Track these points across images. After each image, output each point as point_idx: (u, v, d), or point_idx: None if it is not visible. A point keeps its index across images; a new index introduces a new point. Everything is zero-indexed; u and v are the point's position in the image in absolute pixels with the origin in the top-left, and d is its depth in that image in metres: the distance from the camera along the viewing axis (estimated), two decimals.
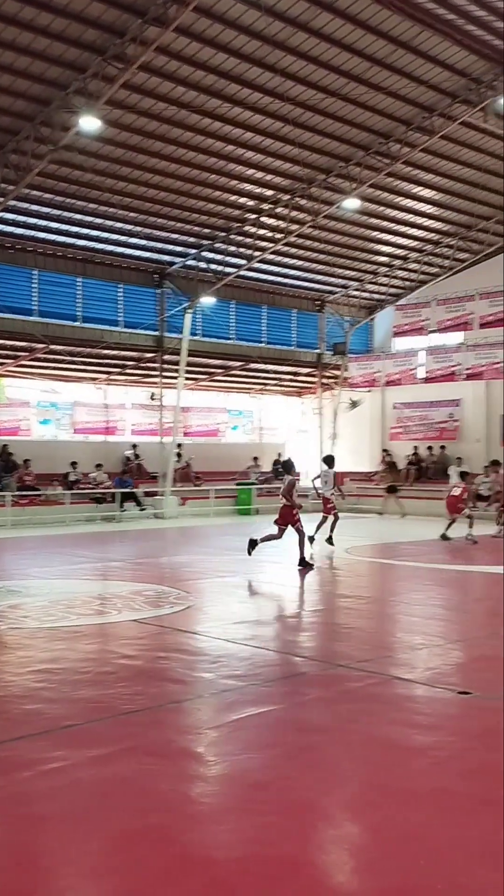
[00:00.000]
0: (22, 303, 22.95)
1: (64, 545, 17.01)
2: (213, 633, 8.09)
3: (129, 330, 25.03)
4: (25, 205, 20.48)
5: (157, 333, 25.51)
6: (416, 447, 27.56)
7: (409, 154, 20.89)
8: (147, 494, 24.24)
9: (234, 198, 22.20)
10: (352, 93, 18.47)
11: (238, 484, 26.33)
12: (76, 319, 23.97)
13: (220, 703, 5.86)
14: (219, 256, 24.37)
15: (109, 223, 22.20)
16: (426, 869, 3.50)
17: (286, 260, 26.48)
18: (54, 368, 24.90)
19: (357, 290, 29.30)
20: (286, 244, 24.34)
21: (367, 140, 20.75)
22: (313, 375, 30.46)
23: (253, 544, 13.22)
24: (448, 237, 26.69)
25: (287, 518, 13.09)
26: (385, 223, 25.19)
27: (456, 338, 27.91)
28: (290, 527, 13.02)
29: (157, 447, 25.50)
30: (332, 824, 4.01)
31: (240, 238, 23.86)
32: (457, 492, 17.35)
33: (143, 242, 23.31)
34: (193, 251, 24.47)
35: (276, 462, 28.22)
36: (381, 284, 29.08)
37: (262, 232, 23.46)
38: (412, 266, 28.16)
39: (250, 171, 21.08)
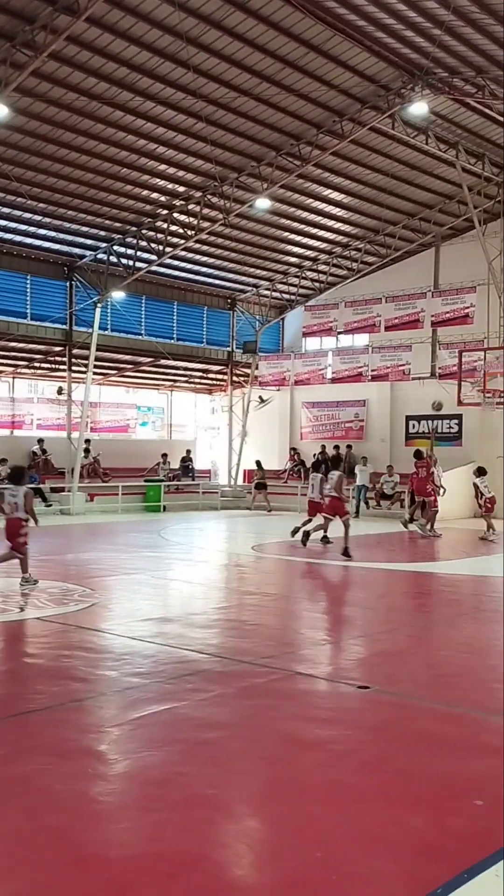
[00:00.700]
0: None
1: None
2: (118, 631, 8.03)
3: (37, 322, 24.56)
4: None
5: (65, 327, 25.11)
6: (323, 446, 27.97)
7: (320, 157, 21.19)
8: (53, 490, 23.85)
9: (145, 192, 22.05)
10: (264, 93, 18.60)
11: (147, 480, 26.19)
12: None
13: (123, 701, 5.83)
14: (130, 251, 24.16)
15: (17, 213, 21.75)
16: (321, 860, 3.57)
17: (198, 257, 26.48)
18: None
19: (268, 289, 29.52)
20: (198, 241, 24.33)
21: (279, 141, 20.93)
22: (224, 373, 30.55)
23: (300, 533, 14.96)
24: (356, 240, 27.18)
25: (338, 510, 14.43)
26: (296, 224, 25.47)
27: (362, 339, 28.49)
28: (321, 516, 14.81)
29: (64, 442, 25.11)
30: (231, 819, 4.04)
31: (151, 233, 23.72)
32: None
33: (53, 234, 22.91)
34: (104, 245, 24.20)
35: (183, 459, 28.20)
36: (292, 285, 29.39)
37: (173, 228, 23.38)
38: (321, 268, 28.56)
39: (162, 167, 20.98)
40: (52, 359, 26.01)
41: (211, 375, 31.06)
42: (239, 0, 15.99)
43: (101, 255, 24.44)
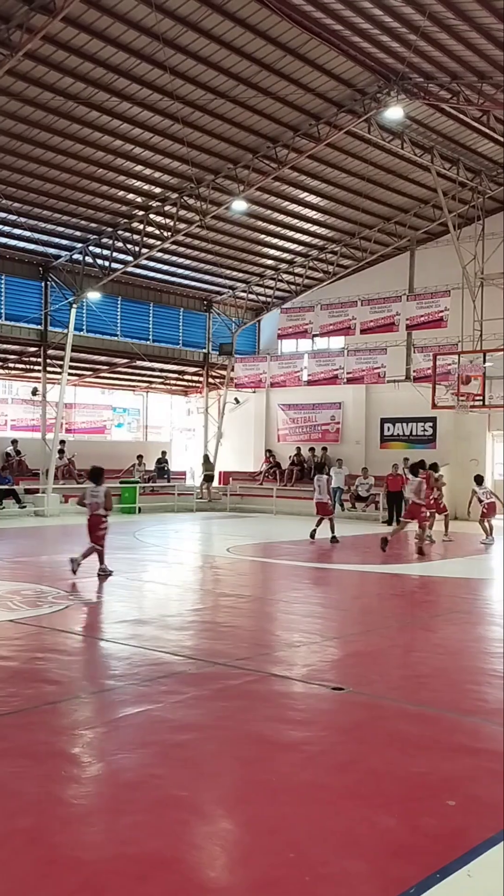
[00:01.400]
0: None
1: None
2: (93, 633, 8.01)
3: (12, 323, 24.39)
4: None
5: (40, 327, 24.97)
6: (298, 448, 28.07)
7: (296, 160, 21.25)
8: (28, 492, 23.68)
9: (121, 193, 21.99)
10: (240, 95, 18.62)
11: (122, 482, 26.09)
12: None
13: (97, 704, 5.81)
14: (106, 252, 24.07)
15: None
16: (294, 861, 3.59)
17: (174, 258, 26.44)
18: None
19: (244, 291, 29.54)
20: (174, 243, 24.30)
21: (255, 143, 20.97)
22: (199, 375, 30.52)
23: (385, 542, 15.31)
24: (332, 243, 27.28)
25: (415, 514, 15.30)
26: (272, 227, 25.52)
27: (338, 342, 28.59)
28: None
29: (38, 443, 24.96)
30: (204, 821, 4.05)
31: (127, 234, 23.65)
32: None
33: (28, 234, 22.76)
34: (80, 245, 24.09)
35: (159, 461, 28.14)
36: (268, 287, 29.43)
37: (150, 229, 23.32)
38: (298, 270, 28.63)
39: (139, 168, 20.94)
40: (27, 359, 25.84)
41: (187, 377, 31.03)
42: (216, 2, 16.01)
43: (76, 256, 24.33)
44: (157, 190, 22.14)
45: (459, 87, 19.10)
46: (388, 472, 22.51)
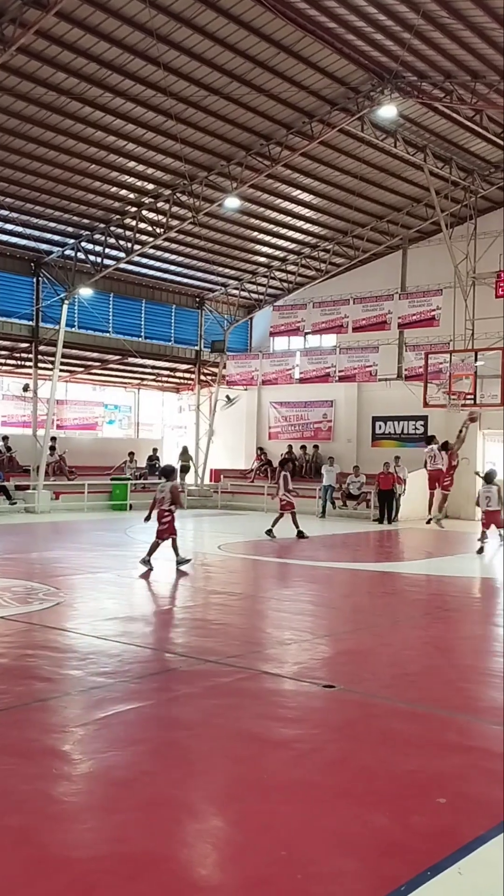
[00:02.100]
0: None
1: None
2: (83, 630, 7.98)
3: (3, 318, 24.32)
4: None
5: (31, 323, 24.89)
6: (290, 446, 28.05)
7: (290, 157, 21.23)
8: (18, 488, 23.60)
9: (114, 189, 21.93)
10: (234, 92, 18.59)
11: (113, 479, 26.04)
12: None
13: (88, 701, 5.79)
14: (98, 248, 23.99)
15: None
16: (286, 859, 3.58)
17: (167, 255, 26.39)
18: None
19: (236, 289, 29.51)
20: (167, 239, 24.25)
21: (249, 140, 20.93)
22: (191, 372, 30.48)
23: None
24: (325, 241, 27.27)
25: (496, 521, 15.62)
26: (265, 224, 25.50)
27: (330, 340, 28.59)
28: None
29: (30, 440, 24.88)
30: (195, 819, 4.04)
31: (120, 230, 23.59)
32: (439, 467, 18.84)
33: (20, 229, 22.68)
34: (72, 241, 24.01)
35: (150, 458, 28.09)
36: (260, 285, 29.41)
37: (142, 225, 23.27)
38: (290, 268, 28.62)
39: (131, 164, 20.88)
40: (18, 355, 25.76)
41: (178, 374, 30.98)
42: None
43: (68, 252, 24.25)
44: (150, 186, 22.09)
45: (453, 85, 19.11)
46: (379, 470, 22.54)
